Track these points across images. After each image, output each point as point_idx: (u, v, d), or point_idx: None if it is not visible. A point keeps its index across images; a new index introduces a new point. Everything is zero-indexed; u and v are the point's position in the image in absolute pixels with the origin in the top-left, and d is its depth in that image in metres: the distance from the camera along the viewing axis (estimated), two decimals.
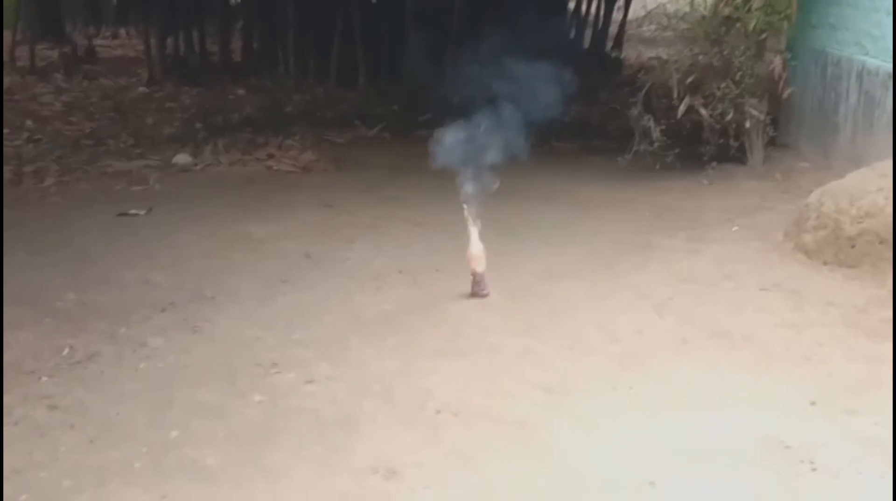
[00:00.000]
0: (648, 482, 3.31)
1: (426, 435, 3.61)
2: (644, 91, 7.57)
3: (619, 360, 4.27)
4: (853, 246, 5.16)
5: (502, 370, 4.15)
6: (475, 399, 3.88)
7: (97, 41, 14.93)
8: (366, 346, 4.39)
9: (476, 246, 4.88)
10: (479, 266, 4.88)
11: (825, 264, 5.24)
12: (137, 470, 3.33)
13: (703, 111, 7.36)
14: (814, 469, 3.38)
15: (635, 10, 13.70)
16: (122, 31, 16.14)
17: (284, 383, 4.01)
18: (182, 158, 8.17)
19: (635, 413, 3.80)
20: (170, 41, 12.42)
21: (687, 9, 8.16)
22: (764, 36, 7.37)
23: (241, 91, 11.38)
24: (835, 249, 5.23)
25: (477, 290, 4.92)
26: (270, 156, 8.38)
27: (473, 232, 4.88)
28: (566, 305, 4.86)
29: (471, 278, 4.92)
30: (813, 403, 3.86)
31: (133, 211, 6.54)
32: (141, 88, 11.59)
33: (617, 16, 13.11)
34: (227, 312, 4.78)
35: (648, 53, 11.41)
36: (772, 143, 7.48)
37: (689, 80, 7.44)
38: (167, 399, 3.84)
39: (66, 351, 4.27)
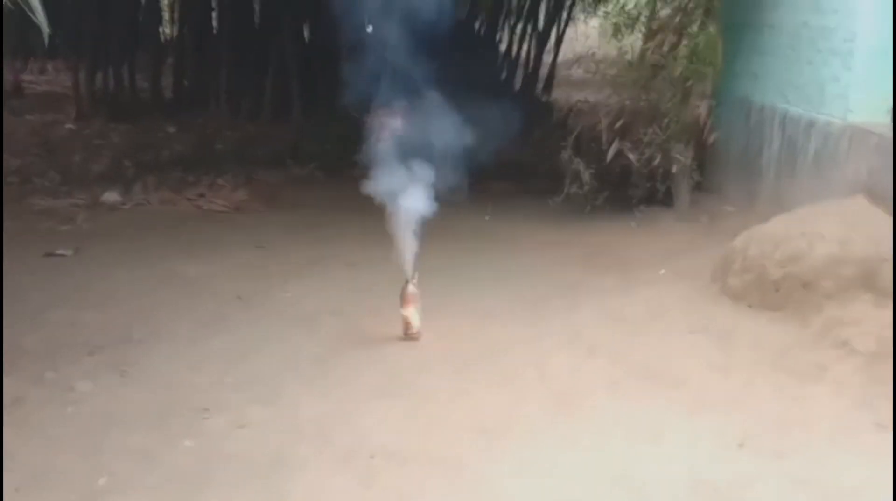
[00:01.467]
0: None
1: (361, 478, 3.60)
2: (574, 134, 7.71)
3: (553, 400, 4.31)
4: (777, 290, 5.28)
5: (437, 411, 4.17)
6: (410, 440, 3.88)
7: (24, 76, 14.70)
8: (299, 388, 4.37)
9: (411, 290, 4.90)
10: (413, 317, 4.89)
11: (751, 306, 5.35)
12: None
13: (631, 156, 7.51)
14: None
15: (564, 54, 13.99)
16: (49, 67, 15.92)
17: (216, 427, 3.97)
18: (111, 197, 8.07)
19: (569, 453, 3.83)
20: (99, 76, 12.29)
21: (615, 54, 8.35)
22: (690, 83, 7.56)
23: (171, 128, 11.29)
24: (760, 292, 5.35)
25: (409, 332, 4.93)
26: (201, 195, 8.32)
27: (410, 277, 4.90)
28: (500, 345, 4.89)
29: (403, 320, 4.93)
30: (741, 444, 3.93)
31: (60, 251, 6.43)
32: (69, 125, 11.44)
33: (547, 58, 13.34)
34: (157, 354, 4.72)
35: (577, 96, 11.64)
36: (698, 187, 7.65)
37: (618, 124, 7.59)
38: (96, 445, 3.77)
39: None
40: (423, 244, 5.02)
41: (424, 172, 4.85)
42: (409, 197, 4.83)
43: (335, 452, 3.79)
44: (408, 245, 4.90)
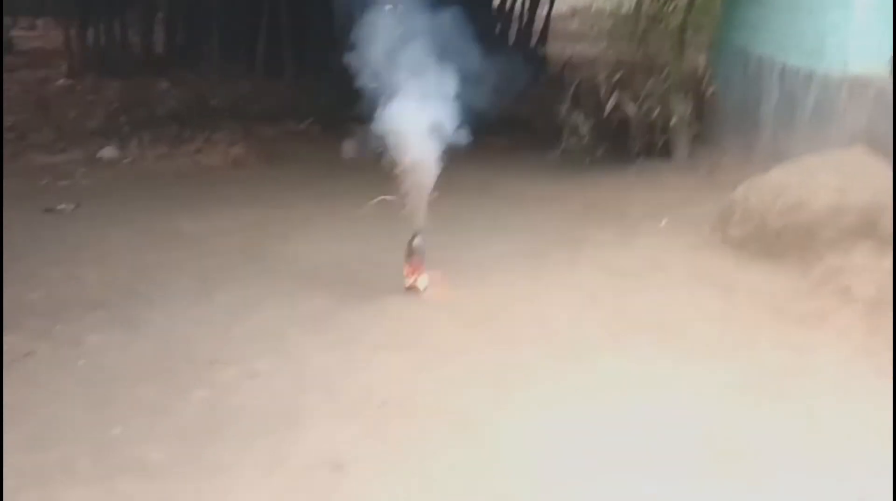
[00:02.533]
0: (591, 469, 3.39)
1: (370, 429, 3.64)
2: (573, 88, 7.70)
3: (556, 351, 4.35)
4: (778, 239, 5.32)
5: (443, 364, 4.20)
6: (417, 393, 3.92)
7: (13, 32, 14.57)
8: (306, 341, 4.40)
9: (418, 243, 4.92)
10: (418, 269, 4.92)
11: (751, 256, 5.40)
12: (81, 468, 3.30)
13: (629, 108, 7.51)
14: (746, 453, 3.50)
15: (559, 7, 13.88)
16: (39, 23, 15.76)
17: (226, 378, 4.01)
18: (108, 153, 8.06)
19: (574, 404, 3.88)
20: (90, 32, 12.18)
21: (612, 7, 8.32)
22: (687, 34, 7.54)
23: (164, 84, 11.23)
24: (760, 242, 5.38)
25: (413, 285, 4.95)
26: (198, 150, 8.30)
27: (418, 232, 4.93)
28: (502, 299, 4.92)
29: (407, 273, 4.95)
30: (743, 390, 3.98)
31: (60, 206, 6.43)
32: (61, 81, 11.37)
33: (542, 12, 13.24)
34: (162, 308, 4.74)
35: (573, 50, 11.58)
36: (696, 139, 7.66)
37: (616, 77, 7.58)
38: (107, 397, 3.81)
39: None
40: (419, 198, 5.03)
41: (432, 127, 4.84)
42: (420, 151, 4.82)
43: (344, 403, 3.83)
44: (418, 199, 4.90)
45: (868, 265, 4.90)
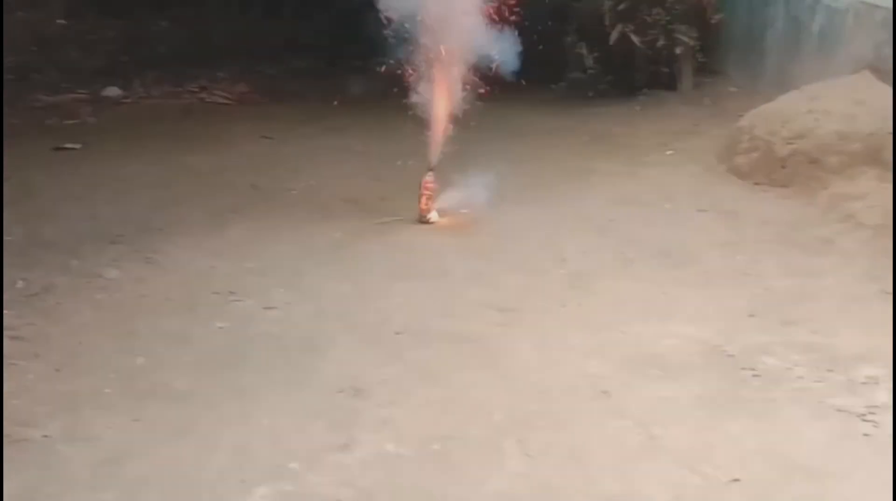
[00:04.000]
0: (602, 390, 3.47)
1: (387, 355, 3.72)
2: (577, 19, 7.66)
3: (567, 279, 4.43)
4: (784, 167, 5.37)
5: (456, 292, 4.29)
6: (432, 320, 4.00)
7: None
8: (320, 272, 4.47)
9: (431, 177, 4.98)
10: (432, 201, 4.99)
11: (758, 184, 5.45)
12: (108, 396, 3.39)
13: (634, 38, 7.48)
14: (756, 375, 3.58)
15: None
16: None
17: (244, 309, 4.09)
18: (112, 91, 8.05)
19: (585, 328, 3.96)
20: None
21: None
22: None
23: (163, 23, 11.13)
24: (767, 170, 5.44)
25: (426, 218, 5.02)
26: (203, 88, 8.30)
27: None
28: (513, 229, 4.99)
29: (421, 201, 5.01)
30: (752, 315, 4.06)
31: (69, 145, 6.45)
32: (60, 21, 11.28)
33: None
34: (177, 242, 4.80)
35: None
36: (702, 69, 7.65)
37: (620, 7, 7.53)
38: (129, 328, 3.89)
39: (19, 284, 4.26)
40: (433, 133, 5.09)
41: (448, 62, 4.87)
42: (437, 86, 4.86)
43: (361, 331, 3.91)
44: (434, 133, 4.95)
45: (873, 191, 4.97)
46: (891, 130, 5.01)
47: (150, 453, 3.05)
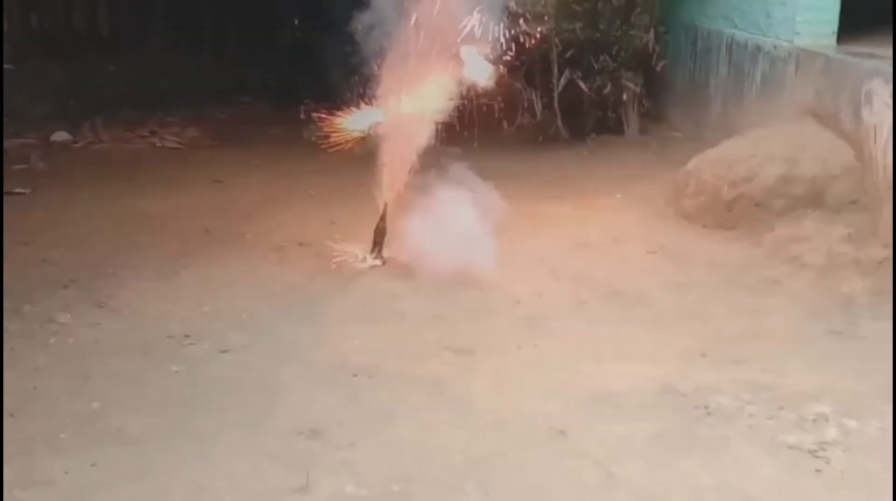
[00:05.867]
0: (559, 430, 3.51)
1: (345, 397, 3.74)
2: (525, 66, 7.78)
3: (523, 321, 4.48)
4: (730, 210, 5.50)
5: (412, 334, 4.31)
6: (390, 361, 4.03)
7: None
8: (276, 315, 4.48)
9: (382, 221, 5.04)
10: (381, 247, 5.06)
11: (705, 227, 5.57)
12: (63, 440, 3.36)
13: (581, 84, 7.63)
14: (708, 413, 3.65)
15: None
16: None
17: (199, 353, 4.08)
18: (61, 136, 8.01)
19: (541, 369, 4.02)
20: (33, 15, 11.99)
21: None
22: (637, 11, 7.67)
23: (111, 67, 11.09)
24: (714, 213, 5.56)
25: (376, 260, 5.06)
26: (153, 132, 8.28)
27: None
28: (466, 271, 5.01)
29: (372, 249, 5.05)
30: (703, 354, 4.14)
31: (18, 190, 6.38)
32: (7, 66, 11.18)
33: None
34: (131, 287, 4.77)
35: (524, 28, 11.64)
36: (647, 114, 7.82)
37: (568, 54, 7.69)
38: (83, 373, 3.85)
39: None
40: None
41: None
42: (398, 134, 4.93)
43: (318, 373, 3.92)
44: (386, 177, 5.01)
45: (817, 233, 5.11)
46: (832, 173, 5.18)
47: (107, 497, 3.03)
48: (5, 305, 4.46)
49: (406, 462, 3.29)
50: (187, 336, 4.21)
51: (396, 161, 4.99)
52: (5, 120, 8.51)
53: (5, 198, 6.24)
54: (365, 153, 5.09)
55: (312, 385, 3.81)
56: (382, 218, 5.09)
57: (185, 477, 3.16)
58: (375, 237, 5.08)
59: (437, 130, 5.13)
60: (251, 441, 3.41)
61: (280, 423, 3.53)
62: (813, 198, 5.25)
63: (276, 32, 10.90)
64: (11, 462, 3.19)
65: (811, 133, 5.59)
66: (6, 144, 7.70)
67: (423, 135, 4.96)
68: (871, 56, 5.57)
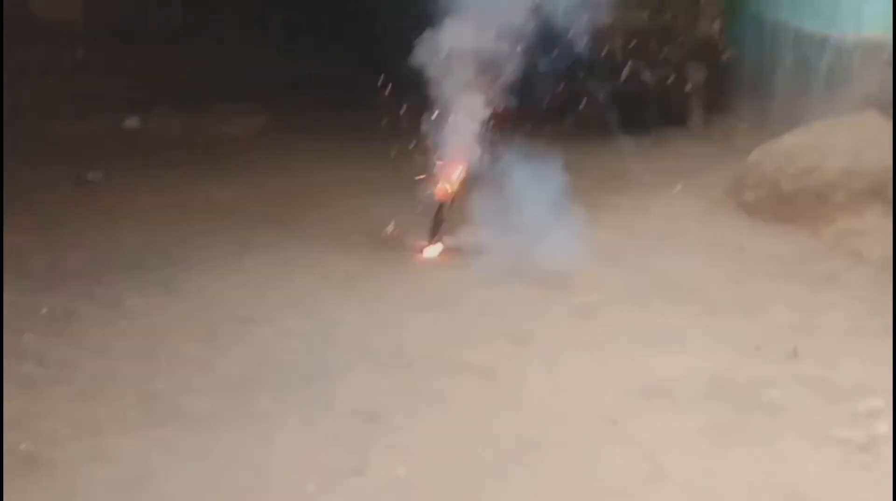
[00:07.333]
0: (612, 420, 3.57)
1: (402, 382, 3.83)
2: (587, 56, 7.78)
3: (577, 310, 4.53)
4: (791, 203, 5.47)
5: (467, 322, 4.39)
6: (445, 349, 4.11)
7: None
8: (336, 302, 4.59)
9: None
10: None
11: (765, 220, 5.55)
12: (130, 419, 3.49)
13: (645, 75, 7.61)
14: (760, 406, 3.67)
15: None
16: None
17: (262, 337, 4.21)
18: (132, 123, 8.21)
19: (595, 358, 4.06)
20: (107, 4, 12.28)
21: None
22: (702, 1, 7.62)
23: (182, 56, 11.32)
24: (774, 206, 5.54)
25: (432, 251, 5.16)
26: (221, 120, 8.44)
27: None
28: (523, 260, 5.06)
29: (431, 236, 5.15)
30: (758, 348, 4.15)
31: (90, 176, 6.58)
32: (80, 52, 11.46)
33: None
34: (197, 272, 4.91)
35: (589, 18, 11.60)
36: (711, 105, 7.77)
37: (632, 44, 7.67)
38: (150, 354, 4.00)
39: (44, 310, 4.38)
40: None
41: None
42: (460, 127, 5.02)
43: (375, 359, 4.02)
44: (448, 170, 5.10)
45: (878, 227, 5.07)
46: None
47: (170, 474, 3.15)
48: (77, 287, 4.63)
49: (457, 446, 3.36)
50: (251, 320, 4.34)
51: (456, 151, 5.06)
52: (77, 107, 8.77)
53: (78, 185, 6.46)
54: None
55: (370, 370, 3.91)
56: (442, 208, 5.18)
57: (246, 457, 3.28)
58: (434, 227, 5.17)
59: (497, 120, 5.20)
60: (310, 423, 3.52)
61: (338, 406, 3.63)
62: (875, 192, 5.20)
63: (347, 28, 11.05)
64: (82, 439, 3.34)
65: (875, 126, 5.54)
66: (80, 130, 7.93)
67: (483, 126, 5.02)
68: None
